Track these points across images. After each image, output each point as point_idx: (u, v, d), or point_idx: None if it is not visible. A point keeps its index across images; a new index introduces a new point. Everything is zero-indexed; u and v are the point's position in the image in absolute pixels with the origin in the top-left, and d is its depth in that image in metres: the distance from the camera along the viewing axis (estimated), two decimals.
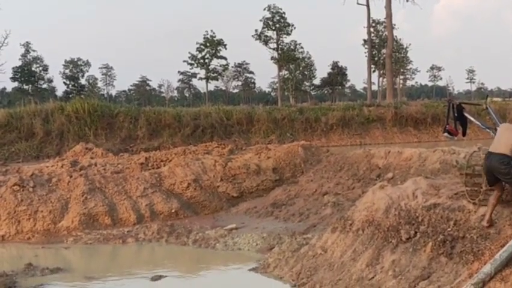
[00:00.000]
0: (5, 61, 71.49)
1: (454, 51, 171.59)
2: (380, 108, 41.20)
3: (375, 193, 8.94)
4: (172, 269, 10.92)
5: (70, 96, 69.60)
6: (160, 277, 9.92)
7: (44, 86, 78.88)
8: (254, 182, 16.47)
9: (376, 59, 69.66)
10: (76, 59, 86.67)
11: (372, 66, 63.58)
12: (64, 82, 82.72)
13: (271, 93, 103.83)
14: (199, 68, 67.26)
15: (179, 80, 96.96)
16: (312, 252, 9.30)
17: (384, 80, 69.54)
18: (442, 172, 12.31)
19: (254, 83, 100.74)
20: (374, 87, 71.32)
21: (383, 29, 67.45)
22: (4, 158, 28.37)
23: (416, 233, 7.59)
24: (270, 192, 16.07)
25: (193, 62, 65.72)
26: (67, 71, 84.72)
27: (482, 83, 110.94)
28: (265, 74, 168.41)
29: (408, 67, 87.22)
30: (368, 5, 53.02)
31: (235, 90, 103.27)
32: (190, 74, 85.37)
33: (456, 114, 7.66)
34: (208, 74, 66.22)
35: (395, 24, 56.03)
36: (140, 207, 14.43)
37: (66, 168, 15.88)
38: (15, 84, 76.31)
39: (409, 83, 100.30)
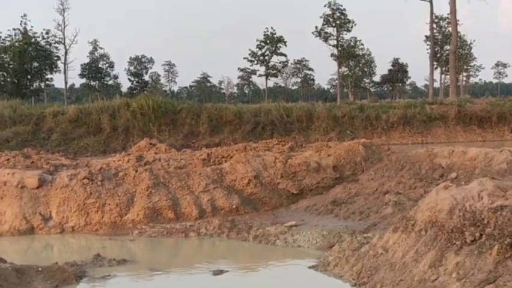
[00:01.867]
0: (74, 58, 74.16)
1: None
2: (443, 106, 40.27)
3: (438, 193, 8.83)
4: (233, 264, 11.13)
5: (134, 92, 71.58)
6: (221, 271, 10.11)
7: (110, 82, 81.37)
8: (314, 180, 16.49)
9: (438, 55, 68.17)
10: (140, 56, 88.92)
11: (435, 63, 62.23)
12: (129, 78, 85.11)
13: (330, 90, 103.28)
14: (258, 65, 67.78)
15: (239, 77, 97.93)
16: (373, 251, 9.28)
17: (447, 77, 68.07)
18: (509, 173, 12.02)
19: (313, 79, 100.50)
20: (436, 85, 69.88)
21: (446, 25, 66.01)
22: (74, 152, 29.50)
23: (481, 235, 7.47)
24: (329, 190, 16.04)
25: (253, 58, 66.26)
26: (132, 67, 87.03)
27: None
28: (325, 71, 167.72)
29: (472, 64, 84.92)
30: (431, 1, 52.04)
31: (294, 87, 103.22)
32: (249, 70, 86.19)
33: None
34: (268, 71, 66.56)
35: (458, 20, 54.63)
36: (202, 203, 14.72)
37: (132, 163, 16.37)
38: (83, 80, 79.01)
39: (473, 80, 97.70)
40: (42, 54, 57.45)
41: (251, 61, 67.13)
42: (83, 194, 14.12)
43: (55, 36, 59.24)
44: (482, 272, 7.01)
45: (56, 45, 59.63)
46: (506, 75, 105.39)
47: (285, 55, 67.72)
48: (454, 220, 8.03)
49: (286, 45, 65.98)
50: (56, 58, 59.55)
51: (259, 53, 65.51)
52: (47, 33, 58.89)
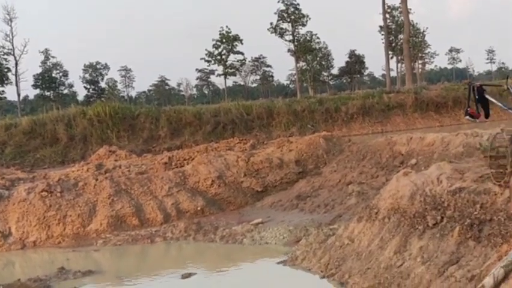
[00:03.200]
0: (26, 69, 72.56)
1: (473, 32, 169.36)
2: (400, 95, 40.95)
3: (399, 180, 8.92)
4: (202, 266, 11.03)
5: (91, 100, 70.42)
6: (190, 274, 10.03)
7: (65, 91, 79.84)
8: (277, 176, 16.51)
9: (393, 45, 69.20)
10: (94, 63, 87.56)
11: (390, 52, 63.11)
12: (85, 86, 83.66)
13: (290, 86, 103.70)
14: (216, 65, 67.56)
15: (197, 78, 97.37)
16: (339, 242, 9.33)
17: (403, 65, 69.01)
18: (466, 155, 12.21)
19: (272, 76, 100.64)
20: (393, 74, 70.82)
21: (398, 14, 66.91)
22: (30, 164, 28.85)
23: (442, 218, 7.57)
24: (294, 184, 16.10)
25: (210, 58, 66.01)
26: (87, 75, 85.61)
27: (503, 63, 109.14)
28: (283, 67, 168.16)
29: (426, 51, 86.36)
30: None
31: (254, 85, 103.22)
32: (208, 71, 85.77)
33: (477, 97, 7.59)
34: (226, 70, 66.40)
35: (410, 9, 55.55)
36: (166, 207, 14.57)
37: (91, 171, 16.10)
38: (37, 91, 77.38)
39: (428, 67, 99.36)
40: None
41: (208, 61, 66.87)
42: (43, 207, 13.80)
43: (4, 47, 57.82)
44: (445, 254, 7.10)
45: (6, 56, 58.20)
46: (460, 60, 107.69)
47: (242, 53, 67.69)
48: (415, 205, 8.12)
49: (242, 43, 65.96)
50: (6, 70, 58.08)
51: (216, 52, 65.28)
52: None
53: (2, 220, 13.62)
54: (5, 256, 13.10)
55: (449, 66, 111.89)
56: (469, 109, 7.30)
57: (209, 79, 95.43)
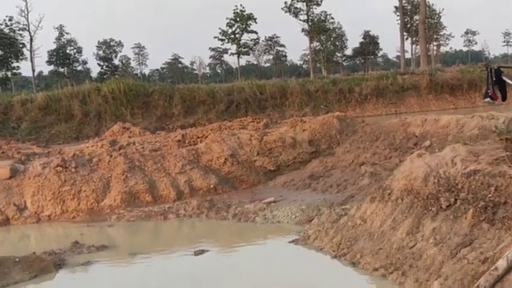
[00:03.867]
0: (40, 45, 72.72)
1: (489, 14, 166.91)
2: (415, 76, 40.63)
3: (413, 161, 8.90)
4: (214, 244, 11.13)
5: (104, 77, 70.55)
6: (202, 251, 10.11)
7: (79, 68, 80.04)
8: (290, 155, 16.52)
9: (408, 26, 68.48)
10: (108, 40, 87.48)
11: (405, 33, 62.45)
12: (98, 63, 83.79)
13: (303, 66, 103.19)
14: (230, 44, 67.27)
15: (210, 57, 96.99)
16: (352, 222, 9.35)
17: (417, 47, 68.39)
18: (481, 138, 12.13)
19: (285, 56, 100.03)
20: (408, 55, 70.24)
21: None
22: (45, 140, 29.12)
23: (456, 200, 7.56)
24: (306, 164, 16.10)
25: (223, 37, 65.75)
26: (100, 52, 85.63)
27: None
28: (297, 47, 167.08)
29: (441, 33, 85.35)
30: None
31: (267, 64, 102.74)
32: (221, 49, 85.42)
33: (494, 79, 7.54)
34: (239, 49, 66.14)
35: None
36: (179, 184, 14.66)
37: (106, 148, 16.21)
38: (51, 67, 77.61)
39: (443, 49, 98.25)
40: (7, 42, 56.17)
41: (222, 40, 66.64)
42: (58, 182, 13.94)
43: (19, 23, 57.89)
44: (458, 236, 7.11)
45: (21, 32, 58.31)
46: (476, 43, 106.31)
47: (255, 32, 67.37)
48: (429, 187, 8.11)
49: (256, 23, 65.59)
50: (21, 45, 58.24)
51: (230, 31, 65.04)
52: (10, 20, 57.60)
53: (18, 194, 13.79)
54: (21, 229, 13.29)
55: (465, 49, 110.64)
56: (489, 91, 7.25)
57: (222, 58, 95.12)
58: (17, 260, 9.40)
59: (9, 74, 60.05)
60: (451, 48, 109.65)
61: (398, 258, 7.69)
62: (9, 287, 8.79)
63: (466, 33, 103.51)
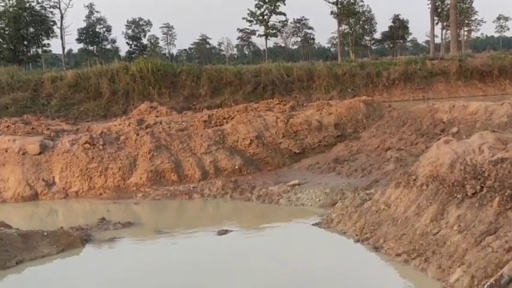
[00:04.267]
0: (71, 23, 73.42)
1: None
2: (444, 62, 40.01)
3: (439, 148, 8.84)
4: (237, 224, 11.22)
5: (133, 56, 71.05)
6: (226, 231, 10.21)
7: (108, 46, 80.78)
8: (316, 138, 16.50)
9: (439, 10, 67.38)
10: (137, 19, 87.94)
11: (436, 18, 61.53)
12: (127, 42, 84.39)
13: (331, 49, 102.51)
14: (258, 25, 67.06)
15: (238, 38, 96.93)
16: (376, 207, 9.35)
17: (448, 32, 67.36)
18: (510, 126, 12.01)
19: (313, 38, 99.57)
20: (437, 40, 69.29)
21: None
22: (74, 117, 29.55)
23: (482, 187, 7.51)
24: (332, 148, 16.07)
25: (252, 18, 65.61)
26: (129, 31, 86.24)
27: None
28: (325, 29, 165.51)
29: (473, 18, 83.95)
30: None
31: (295, 47, 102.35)
32: (249, 31, 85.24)
33: None
34: (267, 31, 65.94)
35: None
36: (204, 164, 14.77)
37: (133, 126, 16.39)
38: (81, 45, 78.41)
39: (474, 34, 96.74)
40: (38, 19, 56.77)
41: (250, 21, 66.51)
42: (86, 159, 14.16)
43: (50, 0, 58.52)
44: (483, 224, 7.07)
45: (51, 9, 58.86)
46: (508, 29, 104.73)
47: (284, 14, 67.05)
48: (455, 174, 8.06)
49: (285, 4, 65.24)
50: (51, 23, 58.85)
51: (258, 12, 64.80)
52: None
53: (47, 170, 14.05)
54: (49, 204, 13.56)
55: (496, 35, 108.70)
56: None
57: (250, 39, 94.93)
58: (45, 234, 9.62)
59: (39, 51, 60.78)
60: (482, 33, 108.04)
61: (421, 244, 7.69)
62: (37, 260, 9.02)
63: (498, 18, 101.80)
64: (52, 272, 8.82)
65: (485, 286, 5.86)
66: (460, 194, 7.77)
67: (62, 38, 59.25)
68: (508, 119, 12.73)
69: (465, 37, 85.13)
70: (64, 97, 32.21)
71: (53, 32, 59.01)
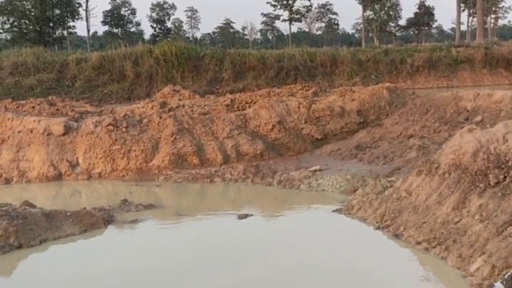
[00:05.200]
0: (96, 5, 73.66)
1: None
2: (469, 49, 39.43)
3: (463, 136, 8.76)
4: (258, 209, 11.26)
5: (157, 39, 71.27)
6: (246, 216, 10.27)
7: (133, 29, 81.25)
8: (338, 125, 16.45)
9: None
10: (162, 2, 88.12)
11: (462, 5, 60.58)
12: (151, 25, 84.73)
13: (355, 35, 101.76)
14: (282, 10, 66.78)
15: (262, 22, 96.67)
16: (397, 194, 9.33)
17: (474, 19, 66.32)
18: None
19: (338, 24, 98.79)
20: (463, 27, 68.37)
21: None
22: (98, 99, 29.82)
23: (505, 177, 7.44)
24: (354, 134, 16.01)
25: (276, 3, 65.33)
26: (154, 14, 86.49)
27: None
28: (349, 15, 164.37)
29: (500, 5, 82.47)
30: None
31: (319, 32, 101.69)
32: (273, 15, 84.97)
33: None
34: (292, 16, 65.66)
35: None
36: (226, 148, 14.83)
37: (156, 109, 16.48)
38: (106, 28, 78.88)
39: (501, 22, 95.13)
40: (64, 1, 57.17)
41: (274, 6, 66.24)
42: (109, 141, 14.30)
43: None
44: (506, 214, 7.02)
45: None
46: None
47: None
48: (478, 163, 7.99)
49: None
50: (77, 5, 59.31)
51: None
52: None
53: (71, 150, 14.23)
54: (72, 185, 13.76)
55: None
56: None
57: (274, 24, 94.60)
58: (69, 214, 9.78)
59: (65, 33, 61.28)
60: (509, 21, 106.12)
61: (442, 232, 7.66)
62: (61, 239, 9.19)
63: None
64: (75, 251, 8.98)
65: (506, 276, 5.84)
66: (482, 183, 7.71)
67: (87, 20, 59.82)
68: None
69: (492, 24, 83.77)
70: (88, 79, 32.49)
71: (78, 14, 59.47)
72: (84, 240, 9.31)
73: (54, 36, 58.18)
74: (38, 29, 54.59)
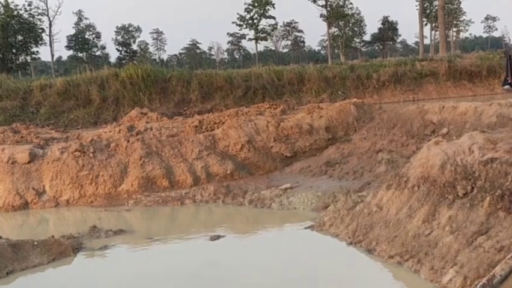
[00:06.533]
0: (59, 30, 73.07)
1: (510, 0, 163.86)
2: (433, 63, 40.13)
3: (430, 149, 8.85)
4: (230, 229, 11.18)
5: (123, 62, 70.90)
6: (218, 237, 10.17)
7: (98, 53, 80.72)
8: (307, 142, 16.51)
9: (428, 11, 67.82)
10: (127, 25, 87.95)
11: (424, 19, 61.90)
12: (117, 48, 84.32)
13: (321, 52, 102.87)
14: (248, 29, 67.08)
15: (228, 42, 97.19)
16: (368, 209, 9.35)
17: (437, 33, 67.74)
18: (499, 126, 12.04)
19: (304, 41, 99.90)
20: (427, 41, 69.71)
21: None
22: (64, 124, 29.38)
23: (473, 188, 7.52)
24: (323, 151, 16.08)
25: (241, 23, 65.54)
26: (119, 37, 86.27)
27: None
28: (315, 32, 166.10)
29: (461, 19, 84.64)
30: None
31: (285, 50, 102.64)
32: (239, 35, 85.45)
33: None
34: (258, 35, 65.93)
35: None
36: (196, 170, 14.73)
37: (123, 133, 16.32)
38: (70, 52, 78.21)
39: (463, 35, 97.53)
40: (26, 26, 56.38)
41: (240, 25, 66.42)
42: (76, 167, 14.07)
43: (38, 7, 58.09)
44: (475, 224, 7.08)
45: (40, 17, 58.47)
46: (496, 29, 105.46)
47: (274, 18, 67.02)
48: (446, 175, 8.07)
49: (274, 8, 65.22)
50: (40, 30, 58.48)
51: (248, 16, 64.77)
52: (29, 5, 57.77)
53: (37, 178, 13.95)
54: (39, 213, 13.45)
55: (485, 35, 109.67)
56: (508, 78, 7.20)
57: (240, 43, 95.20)
58: (36, 243, 9.53)
59: (28, 58, 60.45)
60: (470, 34, 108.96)
61: (414, 245, 7.69)
62: (28, 269, 8.94)
63: (486, 19, 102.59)
64: (43, 282, 8.74)
65: (478, 286, 5.86)
66: (451, 195, 7.78)
67: (51, 45, 59.02)
68: (497, 119, 12.78)
69: (454, 38, 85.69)
70: (53, 105, 32.04)
71: (41, 39, 58.70)
72: (53, 269, 9.08)
73: (18, 62, 57.29)
74: (1, 55, 53.75)
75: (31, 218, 13.25)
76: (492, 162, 7.51)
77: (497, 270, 5.93)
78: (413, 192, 8.58)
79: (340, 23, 71.57)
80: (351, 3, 71.34)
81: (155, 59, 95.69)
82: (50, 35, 59.09)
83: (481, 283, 5.89)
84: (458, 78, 38.84)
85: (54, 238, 9.96)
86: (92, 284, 8.42)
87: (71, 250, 9.64)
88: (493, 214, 6.97)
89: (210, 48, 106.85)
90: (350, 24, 77.99)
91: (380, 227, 8.68)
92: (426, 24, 68.37)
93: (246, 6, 64.43)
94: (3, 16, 54.38)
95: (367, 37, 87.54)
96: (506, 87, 7.52)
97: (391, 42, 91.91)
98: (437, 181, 8.17)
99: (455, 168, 7.99)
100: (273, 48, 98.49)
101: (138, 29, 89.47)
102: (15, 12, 55.77)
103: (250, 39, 69.83)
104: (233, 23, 66.39)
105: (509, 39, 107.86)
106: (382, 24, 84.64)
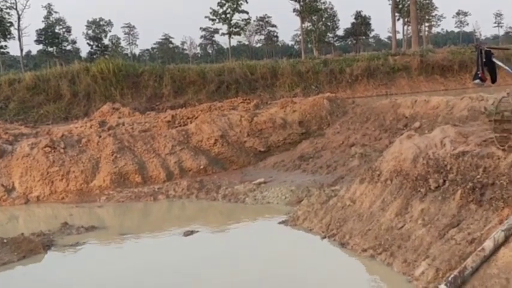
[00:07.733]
0: (28, 24, 71.80)
1: None
2: (406, 57, 40.51)
3: (402, 143, 8.91)
4: (204, 224, 11.11)
5: (94, 57, 70.03)
6: (192, 232, 10.11)
7: (68, 47, 79.55)
8: (280, 136, 16.51)
9: (400, 6, 68.42)
10: (98, 19, 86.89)
11: (397, 14, 62.46)
12: (88, 43, 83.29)
13: (295, 46, 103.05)
14: (221, 24, 66.74)
15: (201, 37, 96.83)
16: (341, 203, 9.37)
17: (409, 28, 68.40)
18: (470, 119, 12.17)
19: (277, 36, 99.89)
20: (399, 36, 70.27)
21: None
22: (34, 120, 28.89)
23: (444, 181, 7.58)
24: (296, 145, 16.11)
25: (214, 17, 65.12)
26: (90, 31, 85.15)
27: (510, 27, 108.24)
28: (288, 27, 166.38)
29: (433, 14, 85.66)
30: None
31: (258, 45, 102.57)
32: (212, 30, 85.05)
33: (484, 60, 7.50)
34: (231, 29, 65.63)
35: None
36: (169, 165, 14.61)
37: (94, 128, 16.12)
38: (40, 47, 76.98)
39: (435, 30, 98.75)
40: None
41: (213, 20, 66.01)
42: (46, 163, 13.85)
43: (6, 1, 57.08)
44: (447, 217, 7.14)
45: (8, 10, 57.51)
46: (467, 24, 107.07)
47: (247, 12, 66.80)
48: (418, 168, 8.13)
49: (247, 2, 64.99)
50: (8, 24, 57.49)
51: (221, 11, 64.44)
52: None
53: (6, 175, 13.70)
54: (9, 211, 13.21)
55: (456, 30, 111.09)
56: (479, 73, 7.22)
57: (213, 38, 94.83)
58: (5, 241, 9.38)
59: None
60: (442, 29, 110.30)
61: (387, 239, 7.72)
62: None
63: (458, 14, 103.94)
64: (12, 279, 8.57)
65: (449, 278, 5.91)
66: (423, 188, 7.84)
67: (19, 40, 57.99)
68: (468, 112, 12.92)
69: (426, 32, 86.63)
70: (22, 100, 31.46)
71: (10, 33, 57.68)
72: (22, 267, 8.91)
73: None
74: None
75: (0, 215, 12.97)
76: (463, 155, 7.58)
77: (468, 262, 5.98)
78: (386, 186, 8.62)
79: (313, 17, 71.79)
80: None
81: (127, 54, 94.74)
82: (18, 29, 58.07)
83: (452, 275, 5.93)
84: (430, 72, 39.29)
85: (24, 235, 9.81)
86: (64, 282, 8.27)
87: (41, 247, 9.48)
88: (465, 207, 7.04)
89: (183, 43, 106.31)
90: (323, 19, 78.30)
91: (354, 220, 8.71)
92: (398, 19, 69.03)
93: (219, 0, 64.12)
94: None
95: (340, 32, 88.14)
96: (477, 81, 7.53)
97: (364, 37, 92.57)
98: (410, 174, 8.23)
99: (427, 161, 8.04)
100: (247, 43, 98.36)
101: (109, 24, 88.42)
102: None
103: (223, 34, 69.58)
104: (206, 17, 66.01)
105: (480, 34, 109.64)
106: (355, 19, 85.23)
